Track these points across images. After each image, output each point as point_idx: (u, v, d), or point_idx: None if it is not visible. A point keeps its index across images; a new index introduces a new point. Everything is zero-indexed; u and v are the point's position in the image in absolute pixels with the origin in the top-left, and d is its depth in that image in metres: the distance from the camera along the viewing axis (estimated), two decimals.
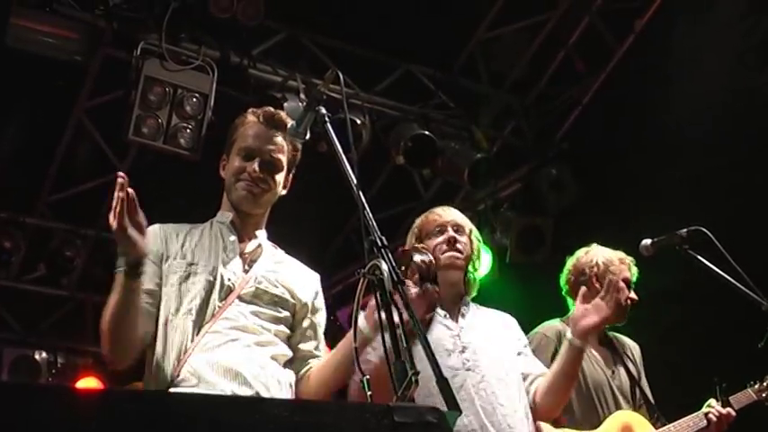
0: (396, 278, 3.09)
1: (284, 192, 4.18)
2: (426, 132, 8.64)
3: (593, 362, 5.48)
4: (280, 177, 4.09)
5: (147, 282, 3.79)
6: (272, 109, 4.23)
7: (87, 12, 7.54)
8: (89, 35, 7.58)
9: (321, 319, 4.16)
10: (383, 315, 3.04)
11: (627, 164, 8.62)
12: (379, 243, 3.16)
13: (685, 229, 5.64)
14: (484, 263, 9.34)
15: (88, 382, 9.86)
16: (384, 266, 3.10)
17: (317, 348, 4.09)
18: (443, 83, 9.14)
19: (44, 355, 10.02)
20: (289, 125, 3.99)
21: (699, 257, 5.57)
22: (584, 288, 5.00)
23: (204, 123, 7.77)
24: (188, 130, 7.74)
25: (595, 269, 5.62)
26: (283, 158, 4.10)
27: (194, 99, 7.75)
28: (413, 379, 2.84)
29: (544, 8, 9.03)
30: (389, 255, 3.17)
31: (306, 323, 4.07)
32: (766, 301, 5.20)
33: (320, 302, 4.19)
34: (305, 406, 2.74)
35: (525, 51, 9.29)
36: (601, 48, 9.07)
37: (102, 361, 9.78)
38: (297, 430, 2.06)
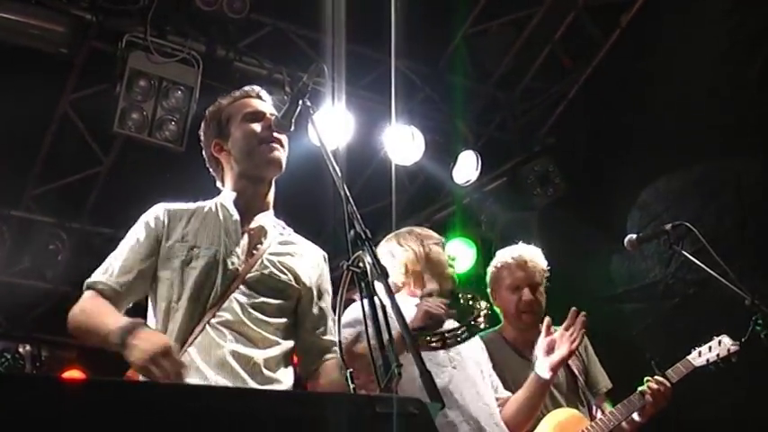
0: (379, 270, 3.09)
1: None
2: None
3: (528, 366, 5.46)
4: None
5: (126, 273, 3.79)
6: (254, 86, 4.22)
7: (73, 4, 7.52)
8: (74, 27, 7.56)
9: (329, 301, 4.09)
10: (366, 307, 3.05)
11: (612, 158, 8.65)
12: (363, 236, 3.16)
13: (670, 224, 5.67)
14: (468, 257, 9.41)
15: (72, 375, 9.86)
16: (368, 259, 3.10)
17: (327, 335, 4.03)
18: (429, 77, 9.15)
19: (28, 347, 10.00)
20: (273, 117, 3.98)
21: (683, 252, 5.59)
22: (548, 319, 5.09)
23: (189, 116, 7.77)
24: (173, 123, 7.74)
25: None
26: None
27: (179, 92, 7.75)
28: (395, 371, 2.84)
29: (530, 3, 9.04)
30: (372, 247, 3.17)
31: (314, 310, 4.00)
32: (749, 296, 5.22)
33: (327, 284, 4.12)
34: (287, 397, 2.74)
35: (511, 46, 9.30)
36: (587, 43, 9.08)
37: (85, 353, 9.87)
38: (279, 421, 2.06)
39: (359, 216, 3.24)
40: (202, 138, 4.21)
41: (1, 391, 2.02)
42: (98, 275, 3.83)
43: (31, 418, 1.99)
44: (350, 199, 3.29)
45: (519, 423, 5.01)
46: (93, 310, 3.71)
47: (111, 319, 3.59)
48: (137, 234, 3.87)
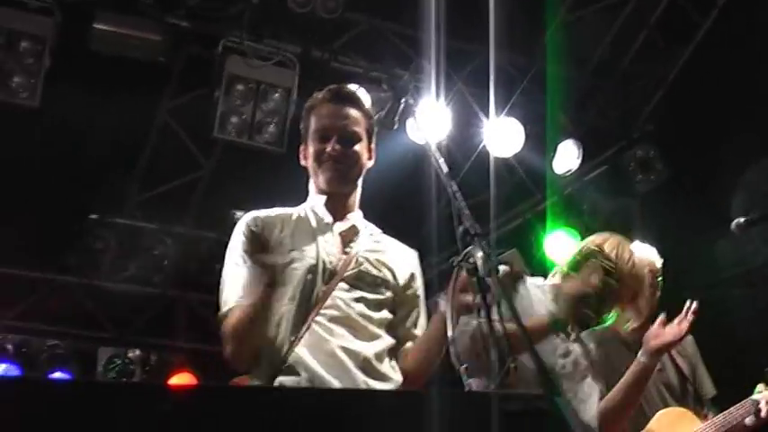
0: (490, 266, 3.07)
1: (370, 163, 4.11)
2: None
3: None
4: (360, 148, 4.02)
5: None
6: (335, 86, 4.20)
7: (169, 12, 7.61)
8: (171, 35, 7.67)
9: (421, 300, 4.08)
10: (479, 302, 3.03)
11: (714, 140, 8.50)
12: (473, 231, 3.14)
13: None
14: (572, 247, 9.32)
15: (182, 378, 9.96)
16: (478, 254, 3.08)
17: (416, 329, 4.01)
18: (526, 68, 9.09)
19: (137, 352, 10.13)
20: (376, 116, 3.98)
21: None
22: (663, 315, 4.98)
23: (288, 117, 7.82)
24: (272, 125, 7.80)
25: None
26: (359, 129, 4.03)
27: (277, 94, 7.82)
28: (511, 366, 2.83)
29: None
30: (482, 242, 3.15)
31: (407, 307, 4.01)
32: None
33: (419, 282, 4.11)
34: (413, 395, 2.74)
35: (607, 32, 9.20)
36: (684, 25, 8.93)
37: (194, 356, 9.98)
38: (410, 419, 2.05)
39: (467, 212, 3.22)
40: None
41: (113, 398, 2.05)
42: (229, 304, 3.81)
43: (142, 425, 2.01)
44: (457, 195, 3.28)
45: (617, 411, 4.90)
46: (236, 316, 3.74)
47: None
48: (239, 249, 3.89)
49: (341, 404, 2.19)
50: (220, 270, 3.90)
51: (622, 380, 4.89)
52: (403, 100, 3.73)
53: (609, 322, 5.32)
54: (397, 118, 3.85)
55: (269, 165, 8.20)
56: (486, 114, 8.66)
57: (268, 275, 3.61)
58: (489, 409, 2.11)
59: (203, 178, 9.24)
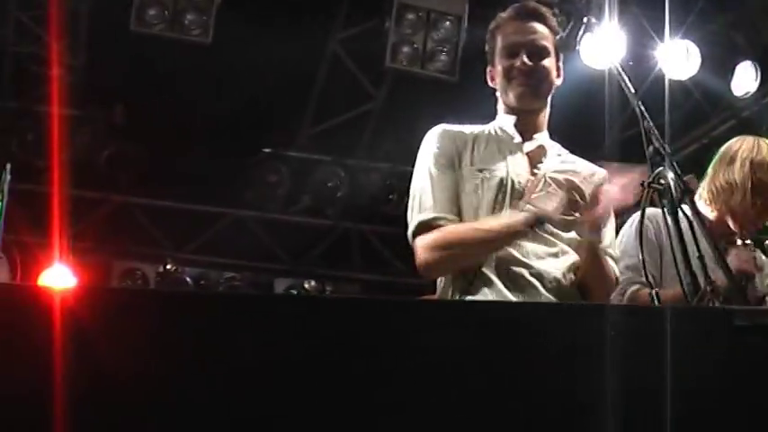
0: (682, 186, 3.00)
1: (559, 81, 4.00)
2: None
3: None
4: (549, 64, 3.91)
5: (450, 201, 3.77)
6: (519, 4, 4.11)
7: None
8: None
9: (611, 220, 3.95)
10: (671, 225, 2.98)
11: None
12: (663, 151, 3.07)
13: None
14: None
15: None
16: (669, 175, 3.01)
17: (608, 248, 3.88)
18: None
19: (313, 283, 10.28)
20: (557, 37, 3.90)
21: None
22: None
23: (460, 46, 7.77)
24: (444, 54, 7.77)
25: None
26: (548, 45, 3.92)
27: (448, 22, 7.76)
28: (707, 289, 2.78)
29: None
30: (673, 163, 3.08)
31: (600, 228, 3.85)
32: None
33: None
34: (633, 311, 2.70)
35: None
36: None
37: (368, 287, 10.09)
38: (630, 334, 2.01)
39: (657, 132, 3.15)
40: None
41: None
42: (429, 212, 3.76)
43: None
44: (645, 115, 3.21)
45: None
46: (457, 229, 3.72)
47: (495, 218, 3.68)
48: (435, 160, 3.86)
49: (547, 320, 2.16)
50: (393, 201, 3.90)
51: None
52: (585, 19, 3.65)
53: None
54: (578, 39, 3.78)
55: (440, 94, 8.18)
56: (661, 37, 8.45)
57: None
58: (718, 323, 2.07)
59: (374, 109, 9.26)
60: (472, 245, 3.68)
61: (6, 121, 8.74)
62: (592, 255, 3.76)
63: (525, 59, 3.87)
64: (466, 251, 3.70)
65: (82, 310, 1.97)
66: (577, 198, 3.81)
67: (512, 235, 3.61)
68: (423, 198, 3.79)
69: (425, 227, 3.73)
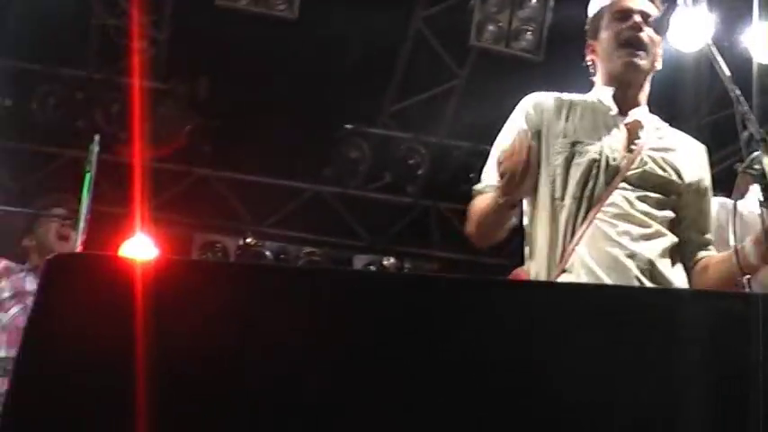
0: None
1: (659, 65, 3.90)
2: None
3: None
4: (657, 39, 3.84)
5: None
6: None
7: None
8: None
9: (710, 200, 3.87)
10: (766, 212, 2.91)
11: None
12: (758, 137, 3.00)
13: None
14: None
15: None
16: (766, 160, 2.94)
17: (706, 234, 3.82)
18: None
19: (392, 261, 10.27)
20: (651, 18, 3.81)
21: None
22: None
23: (545, 25, 7.70)
24: (530, 33, 7.71)
25: None
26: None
27: (534, 1, 7.70)
28: None
29: None
30: None
31: (694, 208, 3.79)
32: None
33: (707, 180, 3.88)
34: (735, 297, 2.65)
35: None
36: None
37: (447, 265, 10.06)
38: (727, 322, 1.98)
39: (752, 116, 3.07)
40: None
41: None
42: (485, 180, 3.73)
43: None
44: (740, 99, 3.13)
45: None
46: (474, 207, 3.70)
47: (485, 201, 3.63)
48: (514, 128, 3.77)
49: (628, 300, 2.13)
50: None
51: None
52: (681, 1, 3.57)
53: None
54: (670, 21, 3.71)
55: (524, 73, 8.11)
56: (750, 19, 8.30)
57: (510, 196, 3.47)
58: None
59: (457, 87, 9.22)
60: (481, 224, 3.68)
61: (92, 92, 8.83)
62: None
63: (637, 23, 3.80)
64: (479, 229, 3.70)
65: (163, 281, 1.98)
66: (674, 177, 3.74)
67: (496, 211, 3.54)
68: (488, 165, 3.75)
69: (478, 194, 3.73)
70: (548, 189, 3.67)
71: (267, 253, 10.09)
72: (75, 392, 1.89)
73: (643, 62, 3.81)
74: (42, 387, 1.89)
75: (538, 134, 3.73)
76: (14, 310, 5.54)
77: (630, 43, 3.79)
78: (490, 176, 3.68)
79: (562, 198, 3.63)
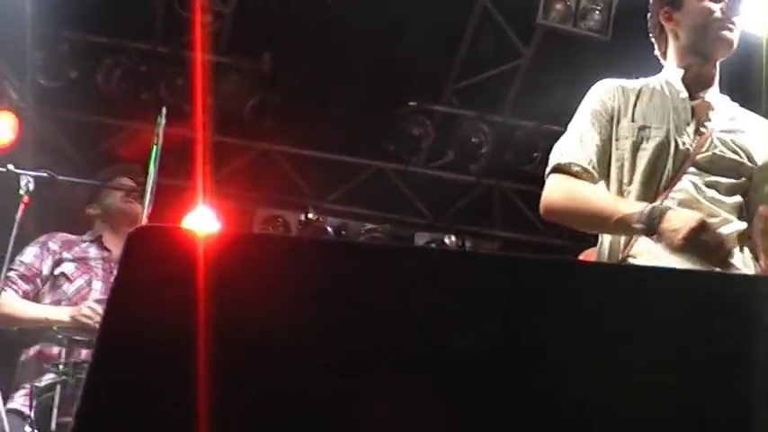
0: None
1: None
2: None
3: None
4: (742, 22, 3.80)
5: (595, 153, 3.69)
6: None
7: None
8: None
9: None
10: None
11: None
12: None
13: None
14: None
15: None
16: None
17: None
18: None
19: (453, 239, 10.23)
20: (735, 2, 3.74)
21: None
22: None
23: (614, 5, 7.63)
24: (597, 12, 7.64)
25: None
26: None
27: None
28: None
29: None
30: None
31: (764, 189, 3.70)
32: None
33: None
34: None
35: None
36: None
37: (508, 245, 10.01)
38: None
39: None
40: (651, 2, 4.00)
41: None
42: (568, 156, 3.68)
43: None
44: None
45: None
46: (584, 192, 3.63)
47: (620, 202, 3.55)
48: (592, 112, 3.76)
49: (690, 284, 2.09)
50: (537, 159, 3.82)
51: None
52: None
53: None
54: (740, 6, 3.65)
55: (591, 53, 8.03)
56: None
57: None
58: None
59: (522, 66, 9.15)
60: (582, 216, 3.62)
61: (156, 65, 8.87)
62: None
63: (732, 4, 3.74)
64: (574, 216, 3.66)
65: (224, 254, 1.97)
66: (744, 160, 3.67)
67: (621, 228, 3.49)
68: (569, 141, 3.72)
69: (560, 169, 3.67)
70: (615, 174, 3.64)
71: (328, 228, 10.09)
72: (150, 360, 1.89)
73: (736, 40, 3.76)
74: (124, 356, 1.90)
75: (610, 119, 3.69)
76: (80, 281, 5.59)
77: (729, 19, 3.73)
78: (575, 153, 3.67)
79: (630, 183, 3.60)
